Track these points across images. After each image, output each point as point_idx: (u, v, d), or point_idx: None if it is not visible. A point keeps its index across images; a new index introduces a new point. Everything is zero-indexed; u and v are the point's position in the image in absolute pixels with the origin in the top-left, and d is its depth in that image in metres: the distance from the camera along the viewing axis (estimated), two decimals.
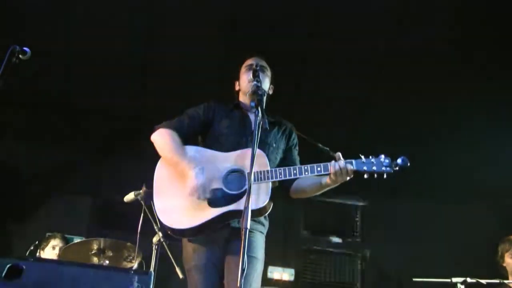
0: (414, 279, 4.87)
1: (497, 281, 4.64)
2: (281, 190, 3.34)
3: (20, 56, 2.93)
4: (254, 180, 3.03)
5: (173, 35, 5.49)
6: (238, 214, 2.98)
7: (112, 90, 6.29)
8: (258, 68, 3.26)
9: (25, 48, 2.94)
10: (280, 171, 3.09)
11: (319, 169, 3.08)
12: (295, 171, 3.09)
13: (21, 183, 6.97)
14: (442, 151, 6.31)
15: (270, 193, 3.06)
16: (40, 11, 5.21)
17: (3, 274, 2.47)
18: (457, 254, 6.63)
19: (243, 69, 3.56)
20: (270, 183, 3.09)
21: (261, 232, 3.30)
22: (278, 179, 3.09)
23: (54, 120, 6.77)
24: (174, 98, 6.06)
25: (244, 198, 2.92)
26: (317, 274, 7.24)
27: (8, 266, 2.49)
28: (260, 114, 2.87)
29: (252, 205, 2.90)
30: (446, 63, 5.44)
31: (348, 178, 3.07)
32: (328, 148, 3.22)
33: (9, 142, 6.93)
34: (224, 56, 5.46)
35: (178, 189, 3.12)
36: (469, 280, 4.55)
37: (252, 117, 3.29)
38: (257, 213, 3.06)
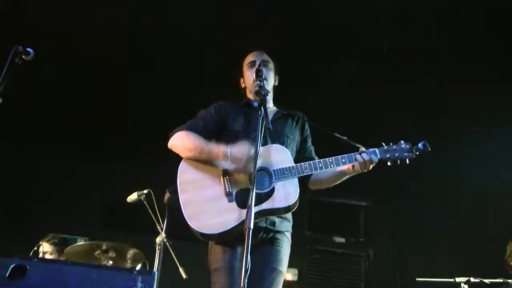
0: (418, 279, 4.86)
1: (500, 280, 4.63)
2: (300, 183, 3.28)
3: (23, 57, 2.92)
4: (280, 177, 3.06)
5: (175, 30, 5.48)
6: (271, 212, 3.04)
7: (115, 90, 6.29)
8: (260, 67, 3.24)
9: (28, 49, 2.94)
10: (305, 165, 3.09)
11: (343, 160, 3.10)
12: (320, 165, 3.10)
13: (23, 183, 6.99)
14: (445, 152, 6.29)
15: (298, 189, 3.07)
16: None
17: (7, 274, 2.47)
18: (460, 253, 6.62)
19: (245, 67, 3.52)
20: (297, 178, 3.09)
21: (288, 232, 3.28)
22: (304, 174, 3.10)
23: (57, 121, 6.79)
24: (179, 98, 6.12)
25: (274, 195, 3.02)
26: (320, 274, 7.26)
27: (12, 266, 2.49)
28: (263, 113, 2.84)
29: (282, 203, 3.02)
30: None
31: (371, 167, 3.11)
32: (345, 138, 3.24)
33: (12, 142, 6.95)
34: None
35: (206, 192, 3.10)
36: (472, 279, 4.54)
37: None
38: (286, 210, 3.09)
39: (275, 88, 3.54)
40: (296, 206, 3.13)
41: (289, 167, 3.09)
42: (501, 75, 5.45)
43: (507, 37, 5.06)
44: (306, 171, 3.09)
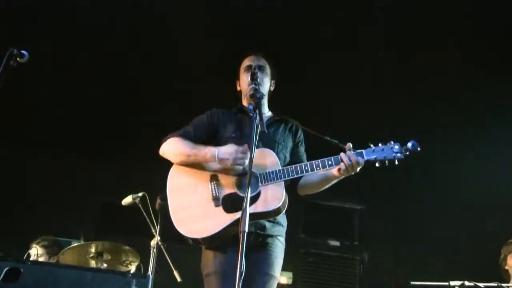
0: (412, 283, 4.86)
1: (495, 284, 4.62)
2: (290, 189, 3.28)
3: (18, 59, 2.92)
4: (267, 181, 3.06)
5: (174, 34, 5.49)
6: (259, 216, 3.03)
7: (113, 92, 6.29)
8: (256, 70, 3.25)
9: (23, 52, 2.93)
10: (291, 169, 3.09)
11: (330, 162, 3.07)
12: (306, 167, 3.08)
13: (20, 186, 6.96)
14: (441, 153, 6.31)
15: (284, 192, 3.07)
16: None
17: (1, 277, 2.46)
18: (455, 257, 6.63)
19: (241, 70, 3.54)
20: (283, 181, 3.09)
21: (281, 237, 3.27)
22: (290, 177, 3.09)
23: (55, 122, 6.77)
24: (176, 100, 6.12)
25: (261, 199, 3.02)
26: (315, 277, 7.25)
27: (6, 269, 2.48)
28: (258, 117, 2.84)
29: (269, 206, 3.01)
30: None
31: (358, 168, 3.05)
32: (336, 141, 3.21)
33: (11, 144, 6.93)
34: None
35: (194, 197, 3.11)
36: (467, 283, 4.53)
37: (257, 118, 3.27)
38: (275, 213, 3.08)
39: (270, 93, 3.55)
40: (285, 208, 3.13)
41: (275, 170, 3.08)
42: (502, 73, 5.47)
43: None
44: (293, 174, 3.08)
